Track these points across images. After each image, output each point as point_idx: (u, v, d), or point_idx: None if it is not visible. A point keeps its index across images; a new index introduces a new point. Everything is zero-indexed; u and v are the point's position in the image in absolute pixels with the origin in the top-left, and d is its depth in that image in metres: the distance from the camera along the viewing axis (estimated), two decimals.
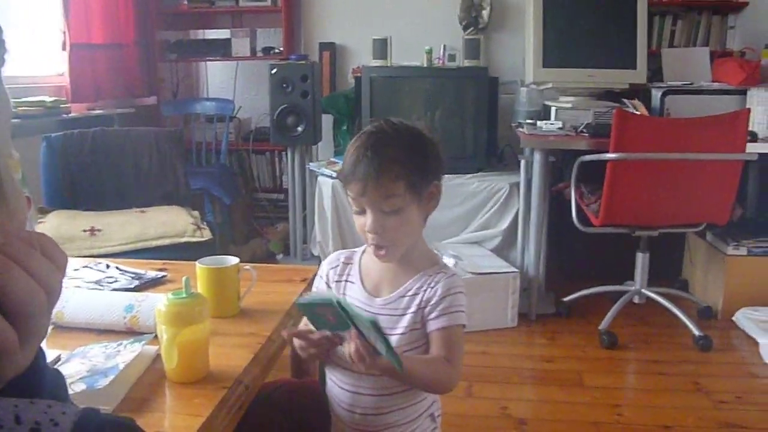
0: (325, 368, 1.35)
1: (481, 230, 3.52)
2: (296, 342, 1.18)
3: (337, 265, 1.35)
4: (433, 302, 1.22)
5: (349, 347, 1.08)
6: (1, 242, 0.42)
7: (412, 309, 1.24)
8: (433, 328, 1.21)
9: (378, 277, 1.30)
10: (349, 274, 1.33)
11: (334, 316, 1.07)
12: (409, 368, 1.12)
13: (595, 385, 2.65)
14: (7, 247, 0.42)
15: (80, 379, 1.06)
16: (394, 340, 1.21)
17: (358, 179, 1.19)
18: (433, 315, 1.22)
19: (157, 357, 1.18)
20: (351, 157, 1.21)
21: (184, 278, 1.14)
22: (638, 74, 3.51)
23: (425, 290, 1.24)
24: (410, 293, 1.25)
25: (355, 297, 1.29)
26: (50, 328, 0.47)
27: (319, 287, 1.35)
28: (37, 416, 0.37)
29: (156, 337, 1.19)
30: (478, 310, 3.10)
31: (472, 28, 4.09)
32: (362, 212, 1.23)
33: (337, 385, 1.32)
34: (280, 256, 4.11)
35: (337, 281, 1.33)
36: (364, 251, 1.34)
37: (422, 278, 1.26)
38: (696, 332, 2.94)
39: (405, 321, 1.23)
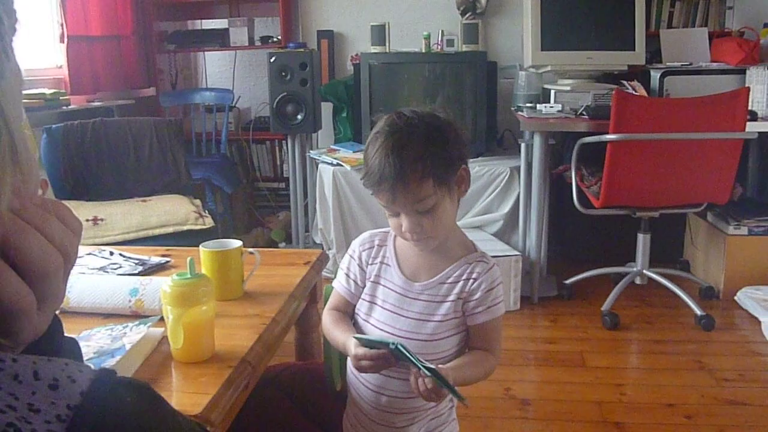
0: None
1: (482, 215, 3.52)
2: (360, 351, 1.16)
3: (372, 247, 1.31)
4: (476, 297, 1.22)
5: (414, 381, 1.10)
6: (17, 207, 0.43)
7: (452, 297, 1.23)
8: (477, 323, 1.22)
9: (415, 262, 1.27)
10: (385, 256, 1.30)
11: (392, 353, 1.11)
12: (463, 379, 1.17)
13: (598, 366, 2.66)
14: (22, 212, 0.43)
15: (87, 360, 1.08)
16: (431, 326, 1.22)
17: (385, 189, 1.15)
18: (477, 310, 1.22)
19: (163, 338, 1.19)
20: (372, 163, 1.16)
21: (188, 259, 1.15)
22: (637, 56, 3.50)
23: (466, 280, 1.23)
24: (449, 281, 1.23)
25: (392, 281, 1.27)
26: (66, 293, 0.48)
27: (351, 267, 1.32)
28: (55, 373, 0.38)
29: (161, 319, 1.20)
30: None
31: (470, 13, 4.09)
32: (396, 215, 1.20)
33: None
34: (282, 245, 4.12)
35: (371, 263, 1.30)
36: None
37: (461, 266, 1.24)
38: (698, 312, 2.96)
39: (443, 309, 1.23)
